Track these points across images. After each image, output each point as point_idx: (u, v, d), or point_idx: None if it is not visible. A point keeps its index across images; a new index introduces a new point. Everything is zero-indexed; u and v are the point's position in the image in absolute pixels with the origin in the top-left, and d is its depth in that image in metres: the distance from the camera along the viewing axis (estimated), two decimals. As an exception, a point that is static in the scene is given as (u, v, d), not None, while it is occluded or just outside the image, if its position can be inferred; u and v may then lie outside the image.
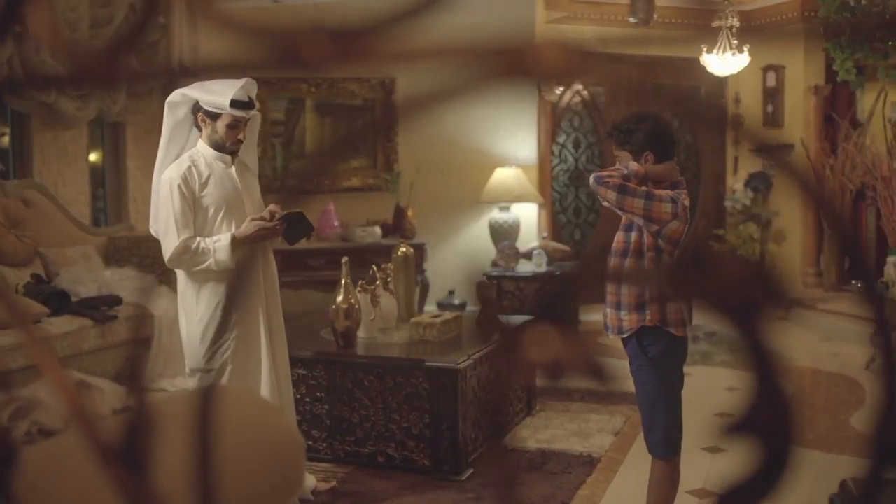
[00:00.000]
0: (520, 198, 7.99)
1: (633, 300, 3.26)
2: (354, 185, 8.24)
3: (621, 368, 5.60)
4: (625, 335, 3.33)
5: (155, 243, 6.49)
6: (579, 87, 9.23)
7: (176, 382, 5.90)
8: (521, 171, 8.08)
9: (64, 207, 6.32)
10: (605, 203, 3.56)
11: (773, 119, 9.29)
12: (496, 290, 7.06)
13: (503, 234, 8.06)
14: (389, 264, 5.01)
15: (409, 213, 7.93)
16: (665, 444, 3.30)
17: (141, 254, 6.40)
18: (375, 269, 4.82)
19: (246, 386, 3.54)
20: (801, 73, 9.10)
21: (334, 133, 8.25)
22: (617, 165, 3.30)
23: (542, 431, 4.93)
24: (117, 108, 6.81)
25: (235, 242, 3.46)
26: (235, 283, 3.47)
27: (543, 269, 7.64)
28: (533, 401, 5.21)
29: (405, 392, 4.22)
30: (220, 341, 3.46)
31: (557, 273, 7.61)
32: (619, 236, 3.35)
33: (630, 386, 5.81)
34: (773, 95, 9.34)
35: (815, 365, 6.49)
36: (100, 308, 5.50)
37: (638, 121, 3.28)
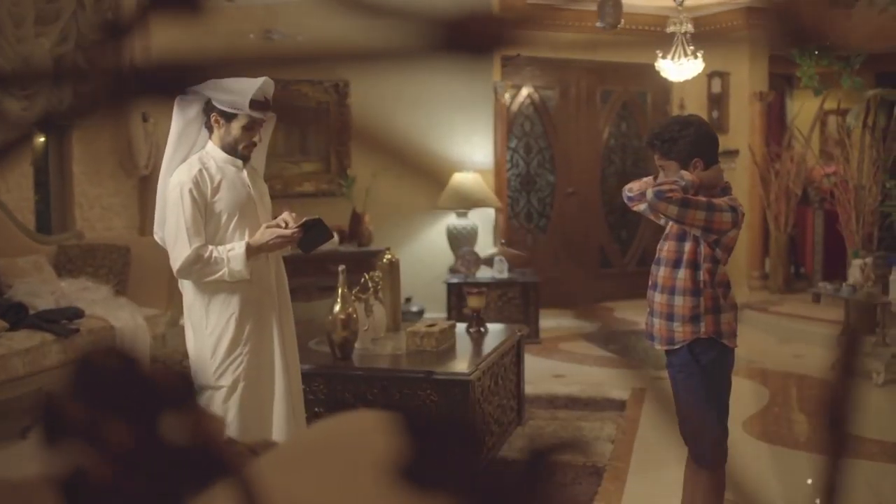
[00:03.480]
0: (479, 203, 7.89)
1: (688, 312, 3.16)
2: (307, 191, 8.01)
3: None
4: (675, 346, 3.22)
5: (108, 252, 6.22)
6: (530, 90, 9.20)
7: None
8: (479, 175, 7.98)
9: (12, 214, 5.93)
10: (637, 208, 3.48)
11: (719, 125, 9.41)
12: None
13: (461, 240, 7.94)
14: (377, 272, 4.83)
15: (366, 218, 7.74)
16: (714, 453, 3.22)
17: (95, 263, 6.06)
18: (367, 277, 4.64)
19: (259, 403, 3.33)
20: (746, 80, 9.26)
21: (287, 137, 8.00)
22: (663, 176, 3.19)
23: (538, 441, 4.81)
24: (64, 110, 6.44)
25: (250, 251, 3.22)
26: (250, 294, 3.29)
27: (505, 275, 7.55)
28: (523, 410, 5.09)
29: (412, 405, 4.05)
30: (233, 356, 3.26)
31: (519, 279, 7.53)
32: (669, 245, 3.24)
33: (610, 392, 5.79)
34: (718, 101, 9.47)
35: (782, 367, 6.56)
36: (60, 321, 5.17)
37: (680, 128, 3.18)
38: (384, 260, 5.02)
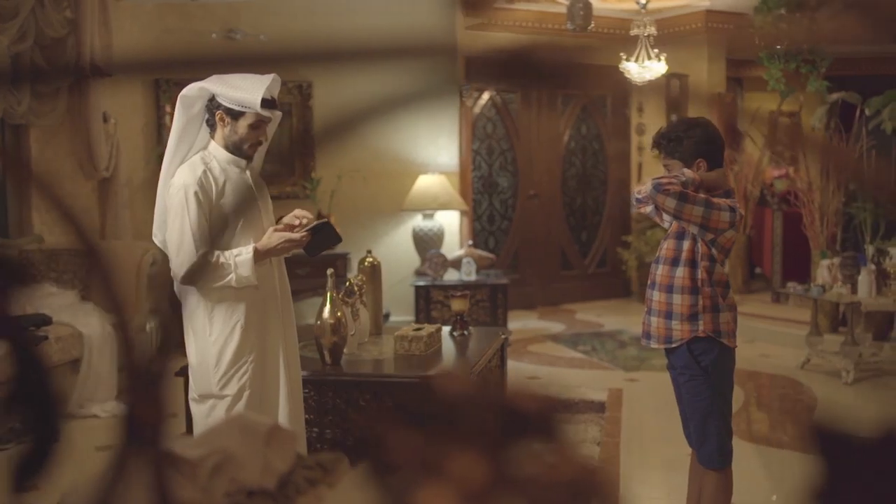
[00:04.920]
0: (445, 205, 7.84)
1: (686, 310, 3.16)
2: (271, 194, 7.82)
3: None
4: (673, 345, 3.22)
5: (72, 256, 6.02)
6: (492, 92, 9.18)
7: (107, 407, 5.44)
8: (445, 177, 7.94)
9: (-28, 218, 5.72)
10: (643, 210, 3.47)
11: (677, 127, 9.50)
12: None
13: (427, 242, 7.88)
14: (360, 276, 4.75)
15: (331, 220, 7.61)
16: (720, 454, 3.21)
17: (58, 268, 5.87)
18: (351, 280, 4.56)
19: (264, 412, 3.23)
20: (705, 82, 9.36)
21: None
22: (668, 174, 3.20)
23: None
24: (21, 110, 6.22)
25: (258, 256, 3.09)
26: (255, 301, 3.19)
27: (473, 277, 7.52)
28: (506, 414, 5.05)
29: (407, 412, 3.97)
30: (239, 364, 3.15)
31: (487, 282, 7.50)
32: (668, 244, 3.25)
33: (587, 393, 5.79)
34: (677, 103, 9.56)
35: (750, 367, 6.62)
36: (27, 328, 4.97)
37: (686, 128, 3.21)
38: (366, 263, 4.93)
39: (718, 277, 3.23)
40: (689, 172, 3.15)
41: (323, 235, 3.30)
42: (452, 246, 8.10)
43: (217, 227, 3.09)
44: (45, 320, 5.13)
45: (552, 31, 8.87)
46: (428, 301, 7.46)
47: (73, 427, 5.14)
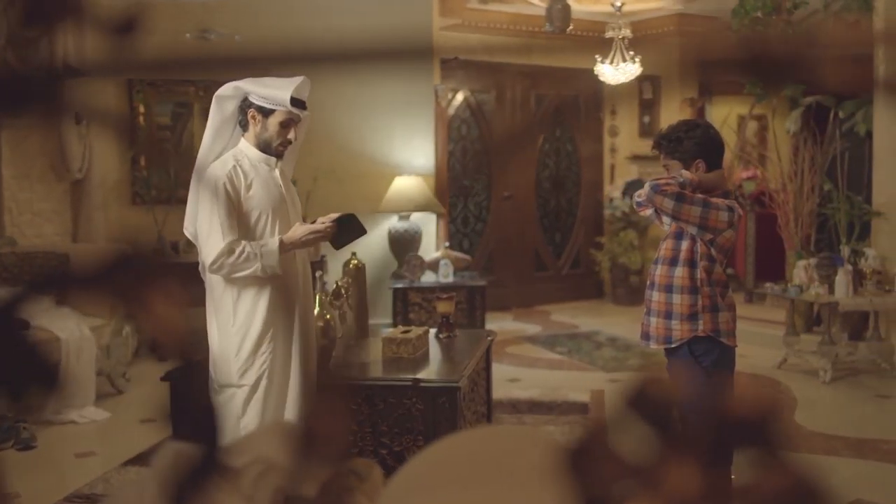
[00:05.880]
0: (422, 207, 7.81)
1: (686, 310, 3.17)
2: (246, 195, 7.79)
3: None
4: (673, 345, 3.22)
5: (47, 259, 5.91)
6: (467, 93, 9.17)
7: (85, 413, 5.34)
8: (422, 179, 7.91)
9: (-58, 220, 5.59)
10: (644, 213, 3.48)
11: (650, 129, 9.57)
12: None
13: (404, 244, 7.85)
14: (346, 278, 4.72)
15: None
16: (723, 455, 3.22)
17: (33, 271, 5.76)
18: (338, 283, 4.53)
19: (277, 404, 3.30)
20: (677, 85, 9.44)
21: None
22: (667, 174, 3.22)
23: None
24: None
25: (283, 247, 3.20)
26: (279, 292, 3.21)
27: (450, 279, 7.49)
28: (491, 416, 5.04)
29: (396, 414, 3.95)
30: (258, 354, 3.24)
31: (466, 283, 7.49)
32: (667, 244, 3.26)
33: (569, 394, 5.80)
34: (649, 106, 9.62)
35: (728, 367, 6.67)
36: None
37: (686, 129, 3.23)
38: (351, 265, 4.90)
39: (717, 277, 3.25)
40: (686, 173, 3.18)
41: (348, 227, 3.43)
42: (429, 248, 8.07)
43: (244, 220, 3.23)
44: (23, 325, 5.02)
45: (526, 33, 8.88)
46: (406, 303, 7.43)
47: (52, 433, 5.04)
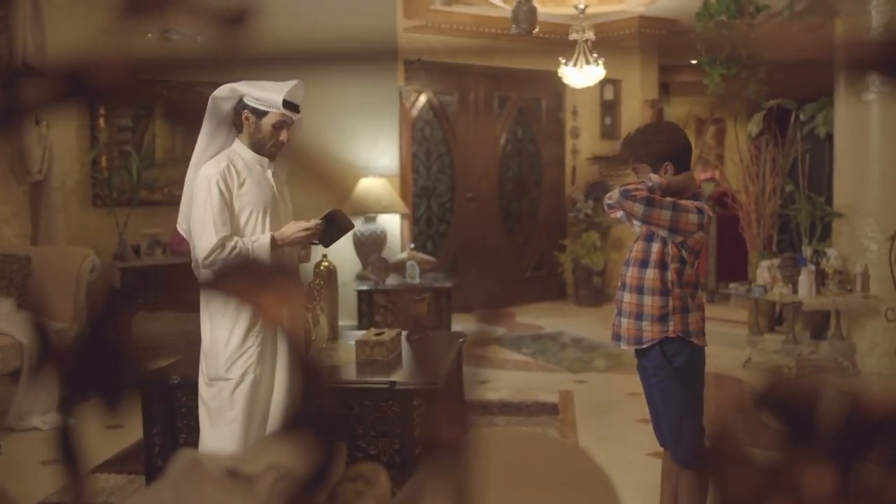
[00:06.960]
0: (387, 208, 7.77)
1: (657, 311, 3.19)
2: (208, 197, 7.70)
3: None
4: (644, 346, 3.25)
5: (7, 262, 5.78)
6: (430, 95, 9.16)
7: (47, 419, 5.23)
8: (387, 180, 7.88)
9: None
10: (615, 215, 3.49)
11: (611, 131, 9.64)
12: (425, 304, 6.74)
13: (369, 246, 7.81)
14: (318, 280, 4.68)
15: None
16: (696, 453, 3.25)
17: (-7, 275, 5.62)
18: (310, 284, 4.49)
19: (263, 398, 3.33)
20: (638, 87, 9.52)
21: (186, 141, 7.67)
22: (636, 179, 3.24)
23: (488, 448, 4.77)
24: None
25: (274, 244, 3.30)
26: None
27: (416, 280, 7.47)
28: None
29: (372, 417, 3.93)
30: (245, 346, 3.29)
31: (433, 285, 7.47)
32: (638, 246, 3.28)
33: (538, 395, 5.81)
34: (610, 108, 9.69)
35: (693, 367, 6.74)
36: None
37: (654, 132, 3.28)
38: (322, 267, 4.87)
39: (687, 278, 3.28)
40: (655, 177, 3.20)
41: (335, 224, 3.46)
42: (394, 249, 8.04)
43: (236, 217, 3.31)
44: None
45: (489, 35, 8.90)
46: (371, 305, 7.39)
47: (15, 440, 4.94)
